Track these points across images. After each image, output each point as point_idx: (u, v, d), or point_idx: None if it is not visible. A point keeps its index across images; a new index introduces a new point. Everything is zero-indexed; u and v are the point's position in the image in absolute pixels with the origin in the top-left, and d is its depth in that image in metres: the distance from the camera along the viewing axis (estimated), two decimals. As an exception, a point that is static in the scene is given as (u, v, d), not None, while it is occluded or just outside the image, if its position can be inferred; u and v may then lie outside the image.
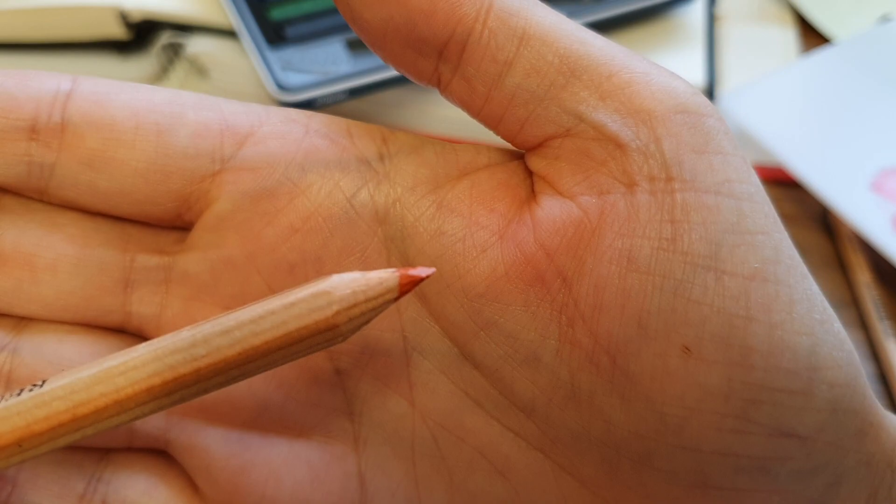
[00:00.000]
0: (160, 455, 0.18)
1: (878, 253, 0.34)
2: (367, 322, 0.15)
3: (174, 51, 0.39)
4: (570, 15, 0.36)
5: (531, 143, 0.16)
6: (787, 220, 0.36)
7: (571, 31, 0.16)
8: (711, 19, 0.40)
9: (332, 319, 0.14)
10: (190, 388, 0.14)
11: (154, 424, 0.17)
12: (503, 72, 0.16)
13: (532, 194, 0.16)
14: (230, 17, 0.35)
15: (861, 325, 0.33)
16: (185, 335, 0.14)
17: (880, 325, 0.32)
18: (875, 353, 0.32)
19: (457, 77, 0.16)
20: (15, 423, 0.14)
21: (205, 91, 0.38)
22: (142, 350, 0.14)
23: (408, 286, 0.15)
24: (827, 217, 0.36)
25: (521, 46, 0.15)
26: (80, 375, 0.14)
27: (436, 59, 0.16)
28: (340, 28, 0.35)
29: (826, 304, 0.16)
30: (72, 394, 0.14)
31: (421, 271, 0.15)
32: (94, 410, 0.14)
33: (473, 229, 0.16)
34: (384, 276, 0.14)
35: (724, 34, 0.42)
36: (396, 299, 0.15)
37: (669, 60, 0.37)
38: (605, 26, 0.37)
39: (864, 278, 0.34)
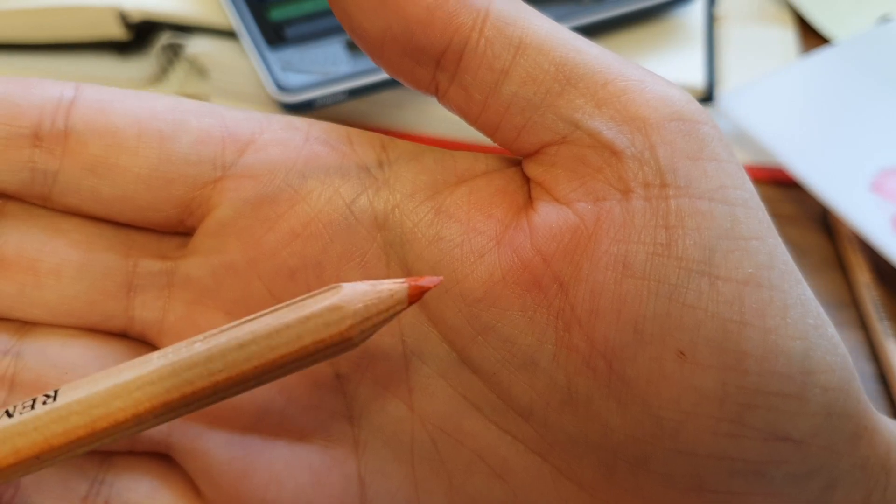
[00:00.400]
0: (162, 458, 0.18)
1: (877, 253, 0.34)
2: (377, 331, 0.15)
3: (174, 51, 0.39)
4: (571, 15, 0.36)
5: (528, 150, 0.16)
6: (787, 220, 0.37)
7: (567, 40, 0.16)
8: (711, 20, 0.40)
9: (346, 333, 0.14)
10: (206, 399, 0.14)
11: (156, 428, 0.17)
12: (500, 80, 0.16)
13: (529, 200, 0.17)
14: (230, 17, 0.35)
15: (861, 325, 0.33)
16: (199, 348, 0.14)
17: (880, 326, 0.32)
18: (875, 354, 0.32)
19: (454, 85, 0.16)
20: (33, 438, 0.14)
21: (205, 91, 0.38)
22: (157, 363, 0.14)
23: (416, 296, 0.15)
24: (827, 217, 0.36)
25: (518, 55, 0.16)
26: (95, 389, 0.14)
27: (433, 67, 0.16)
28: (340, 29, 0.35)
29: (820, 308, 0.16)
30: (89, 409, 0.14)
31: (429, 281, 0.15)
32: (113, 424, 0.14)
33: (471, 235, 0.16)
34: (394, 288, 0.15)
35: (723, 34, 0.42)
36: (405, 309, 0.15)
37: (669, 61, 0.37)
38: (605, 27, 0.37)
39: (863, 279, 0.34)
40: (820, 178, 0.35)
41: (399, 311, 0.15)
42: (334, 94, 0.33)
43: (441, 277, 0.15)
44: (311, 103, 0.33)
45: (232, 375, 0.14)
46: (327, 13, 0.35)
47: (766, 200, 0.40)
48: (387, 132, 0.38)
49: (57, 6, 0.37)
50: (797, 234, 0.36)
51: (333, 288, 0.15)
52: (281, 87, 0.33)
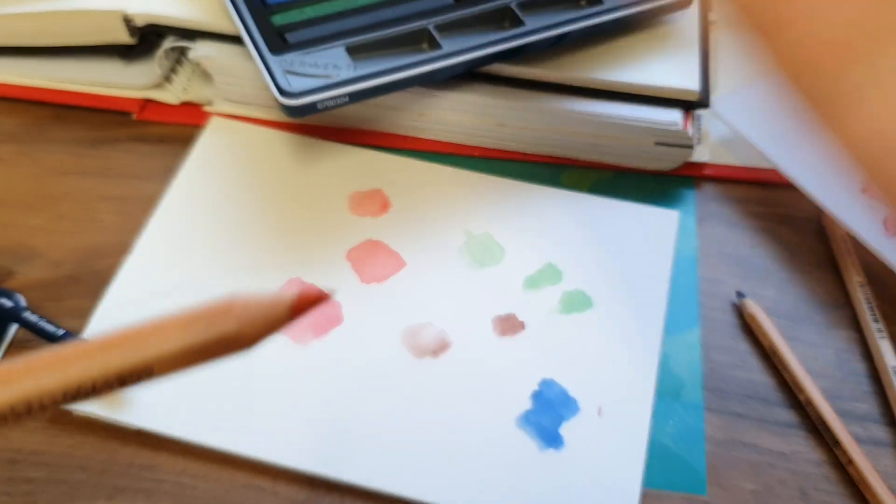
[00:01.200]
0: None
1: (870, 254, 0.34)
2: (269, 335, 0.17)
3: (178, 55, 0.40)
4: (567, 19, 0.36)
5: None
6: (781, 221, 0.37)
7: None
8: (706, 25, 0.41)
9: (231, 333, 0.17)
10: (99, 391, 0.17)
11: None
12: None
13: None
14: (233, 22, 0.36)
15: (854, 325, 0.33)
16: (99, 339, 0.17)
17: (873, 326, 0.33)
18: (868, 353, 0.33)
19: None
20: None
21: (207, 95, 0.39)
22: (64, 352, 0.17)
23: (303, 307, 0.17)
24: (821, 219, 0.37)
25: None
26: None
27: None
28: (342, 34, 0.35)
29: None
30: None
31: (316, 296, 0.17)
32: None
33: None
34: (283, 299, 0.17)
35: (717, 39, 0.42)
36: (291, 319, 0.17)
37: (665, 65, 0.38)
38: (600, 31, 0.37)
39: (857, 279, 0.34)
40: (813, 181, 0.35)
41: (284, 322, 0.17)
42: (336, 98, 0.34)
43: (329, 292, 0.17)
44: (313, 107, 0.33)
45: (122, 370, 0.16)
46: (329, 18, 0.36)
47: (761, 202, 0.40)
48: (386, 136, 0.39)
49: (62, 10, 0.38)
50: (791, 235, 0.37)
51: (229, 295, 0.17)
52: (283, 92, 0.33)
